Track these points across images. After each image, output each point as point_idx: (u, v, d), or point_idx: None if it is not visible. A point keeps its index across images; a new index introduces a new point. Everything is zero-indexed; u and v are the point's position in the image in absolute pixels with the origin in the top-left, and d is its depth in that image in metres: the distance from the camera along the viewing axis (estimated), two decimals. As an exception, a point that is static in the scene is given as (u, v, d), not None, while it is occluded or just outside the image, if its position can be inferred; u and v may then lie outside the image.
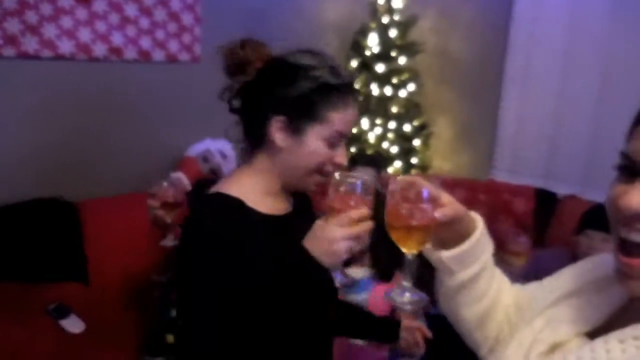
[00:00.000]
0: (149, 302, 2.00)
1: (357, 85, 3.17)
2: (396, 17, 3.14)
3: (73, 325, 1.81)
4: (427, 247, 0.87)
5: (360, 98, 3.18)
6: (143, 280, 2.00)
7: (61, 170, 2.30)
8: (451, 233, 0.84)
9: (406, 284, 0.93)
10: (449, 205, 0.83)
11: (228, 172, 2.68)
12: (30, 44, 2.15)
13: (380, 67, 3.10)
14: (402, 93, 3.13)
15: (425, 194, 0.82)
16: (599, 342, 0.64)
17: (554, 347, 0.72)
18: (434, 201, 0.82)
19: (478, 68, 3.33)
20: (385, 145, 3.09)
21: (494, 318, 0.89)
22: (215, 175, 2.68)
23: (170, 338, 1.89)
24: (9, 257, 1.97)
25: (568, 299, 0.76)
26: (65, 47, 2.24)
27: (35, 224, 2.09)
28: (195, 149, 2.68)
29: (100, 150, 2.43)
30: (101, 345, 1.84)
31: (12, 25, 2.09)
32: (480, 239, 0.85)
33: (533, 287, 0.89)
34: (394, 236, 0.87)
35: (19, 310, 1.78)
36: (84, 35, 2.29)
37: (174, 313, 1.89)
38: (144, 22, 2.47)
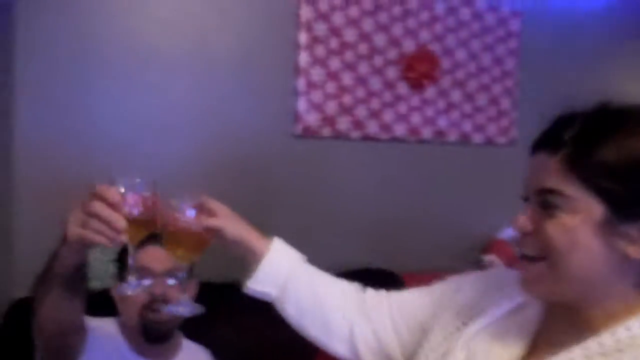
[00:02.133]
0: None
1: None
2: None
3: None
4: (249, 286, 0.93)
5: None
6: None
7: (388, 242, 2.45)
8: (245, 255, 0.93)
9: (183, 297, 1.07)
10: (218, 218, 0.91)
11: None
12: (372, 128, 2.40)
13: None
14: None
15: (185, 207, 0.90)
16: None
17: None
18: (204, 212, 0.90)
19: None
20: None
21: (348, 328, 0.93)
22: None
23: None
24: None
25: (489, 329, 0.79)
26: (400, 130, 2.45)
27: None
28: (507, 232, 2.61)
29: (419, 226, 2.54)
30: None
31: (360, 111, 2.38)
32: (274, 262, 0.92)
33: (418, 294, 0.95)
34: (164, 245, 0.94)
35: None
36: (415, 119, 2.47)
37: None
38: (467, 107, 2.57)
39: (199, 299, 1.53)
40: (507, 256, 2.52)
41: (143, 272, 1.31)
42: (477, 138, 2.60)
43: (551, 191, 0.70)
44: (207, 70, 2.18)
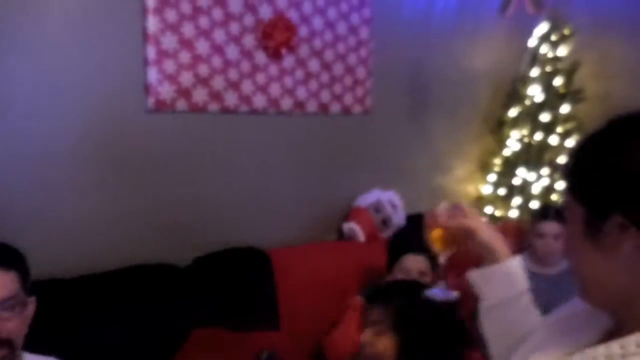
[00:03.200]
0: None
1: (518, 135, 3.11)
2: (559, 65, 3.07)
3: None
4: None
5: (519, 147, 3.10)
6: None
7: (251, 218, 2.38)
8: (484, 255, 1.03)
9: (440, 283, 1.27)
10: (473, 220, 1.05)
11: (398, 223, 2.70)
12: (230, 100, 2.28)
13: (545, 117, 3.01)
14: (569, 142, 3.01)
15: (456, 207, 1.07)
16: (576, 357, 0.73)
17: None
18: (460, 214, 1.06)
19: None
20: (553, 197, 2.97)
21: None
22: (385, 226, 2.68)
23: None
24: (212, 304, 2.04)
25: (561, 323, 0.85)
26: (259, 101, 2.36)
27: (230, 271, 2.16)
28: (365, 199, 2.70)
29: (282, 200, 2.50)
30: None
31: (218, 83, 2.23)
32: (503, 270, 1.01)
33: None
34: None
35: (232, 357, 1.82)
36: (275, 90, 2.40)
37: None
38: (325, 77, 2.55)
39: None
40: (365, 223, 2.60)
41: None
42: (335, 108, 2.61)
43: (564, 205, 0.78)
44: (43, 38, 1.87)
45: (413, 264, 2.10)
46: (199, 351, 1.79)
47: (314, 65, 2.51)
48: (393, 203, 2.70)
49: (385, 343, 1.42)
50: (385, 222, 2.66)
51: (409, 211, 2.77)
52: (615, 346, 0.69)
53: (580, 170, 0.75)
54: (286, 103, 2.44)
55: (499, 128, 3.22)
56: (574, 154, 0.78)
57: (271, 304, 2.15)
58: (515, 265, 1.02)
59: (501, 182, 3.13)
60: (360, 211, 2.64)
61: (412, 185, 2.93)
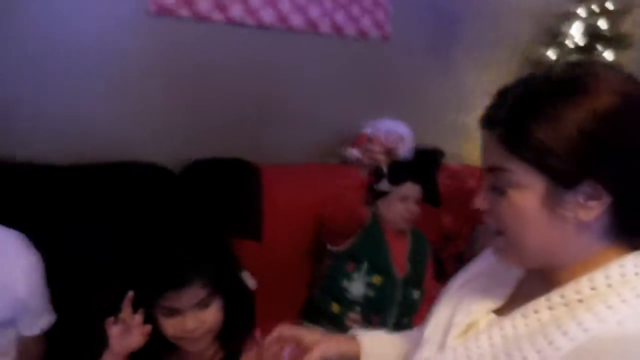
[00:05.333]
0: (319, 268, 2.06)
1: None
2: (608, 5, 2.80)
3: (246, 280, 1.88)
4: None
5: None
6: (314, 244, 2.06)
7: (244, 133, 2.40)
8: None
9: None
10: (315, 351, 0.92)
11: (404, 155, 2.65)
12: (236, 11, 2.26)
13: (582, 60, 2.79)
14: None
15: (285, 354, 0.94)
16: (506, 320, 0.73)
17: (468, 329, 0.79)
18: (302, 350, 0.93)
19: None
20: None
21: None
22: (390, 157, 2.63)
23: (335, 307, 1.91)
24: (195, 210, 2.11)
25: (472, 283, 0.85)
26: (267, 16, 2.32)
27: (218, 181, 2.20)
28: (372, 127, 2.65)
29: (284, 119, 2.50)
30: (269, 305, 1.90)
31: (224, -8, 2.22)
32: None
33: None
34: None
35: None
36: (284, 5, 2.35)
37: (344, 283, 1.91)
38: (341, -5, 2.47)
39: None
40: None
41: None
42: (350, 30, 2.54)
43: (496, 169, 0.72)
44: None
45: (412, 192, 2.13)
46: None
47: (330, -19, 2.43)
48: (401, 135, 2.63)
49: (212, 313, 1.22)
50: (390, 153, 2.61)
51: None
52: (555, 296, 0.70)
53: (537, 137, 0.68)
54: (296, 20, 2.40)
55: (537, 69, 3.03)
56: (524, 112, 0.69)
57: (255, 217, 2.20)
58: (369, 349, 0.99)
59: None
60: (365, 138, 2.60)
61: (429, 121, 2.84)
